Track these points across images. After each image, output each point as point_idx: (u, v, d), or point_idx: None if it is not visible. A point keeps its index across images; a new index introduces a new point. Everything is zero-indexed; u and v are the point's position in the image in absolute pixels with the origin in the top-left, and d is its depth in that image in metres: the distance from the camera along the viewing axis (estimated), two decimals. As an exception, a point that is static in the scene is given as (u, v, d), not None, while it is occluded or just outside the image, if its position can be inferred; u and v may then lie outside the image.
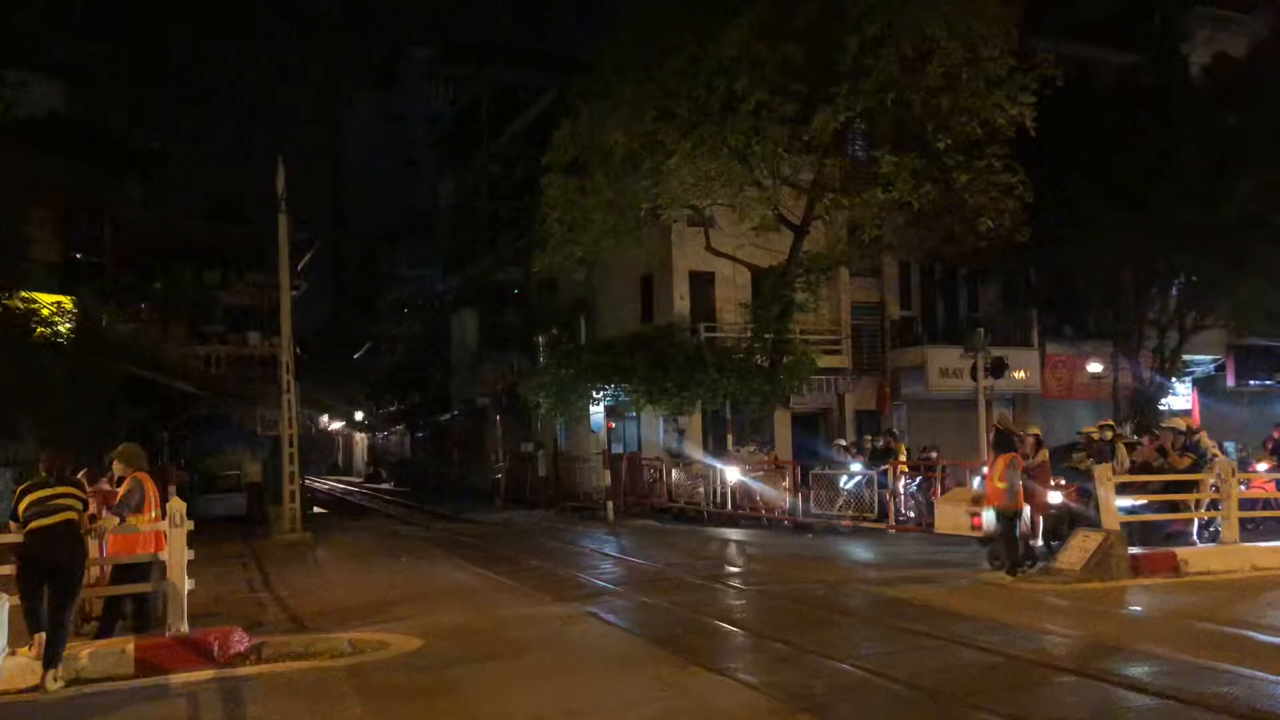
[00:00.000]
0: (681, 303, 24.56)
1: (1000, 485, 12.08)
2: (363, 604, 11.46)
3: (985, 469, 14.76)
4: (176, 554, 8.50)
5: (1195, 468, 13.58)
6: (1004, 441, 12.43)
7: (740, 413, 22.80)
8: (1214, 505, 13.10)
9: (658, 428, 24.94)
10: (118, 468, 9.13)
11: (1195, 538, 13.46)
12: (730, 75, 19.17)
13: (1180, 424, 14.98)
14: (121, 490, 8.94)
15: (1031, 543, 12.63)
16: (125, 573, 8.92)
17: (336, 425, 63.67)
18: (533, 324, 31.40)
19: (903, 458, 18.74)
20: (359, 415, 58.47)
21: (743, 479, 20.25)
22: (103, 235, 22.44)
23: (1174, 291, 24.98)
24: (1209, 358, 28.41)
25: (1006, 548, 12.04)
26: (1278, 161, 21.16)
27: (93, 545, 8.42)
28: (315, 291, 32.78)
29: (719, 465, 20.91)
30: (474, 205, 40.04)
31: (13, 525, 7.73)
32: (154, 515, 8.94)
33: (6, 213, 17.25)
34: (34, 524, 7.58)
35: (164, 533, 8.69)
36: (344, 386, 54.29)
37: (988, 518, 14.26)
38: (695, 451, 23.68)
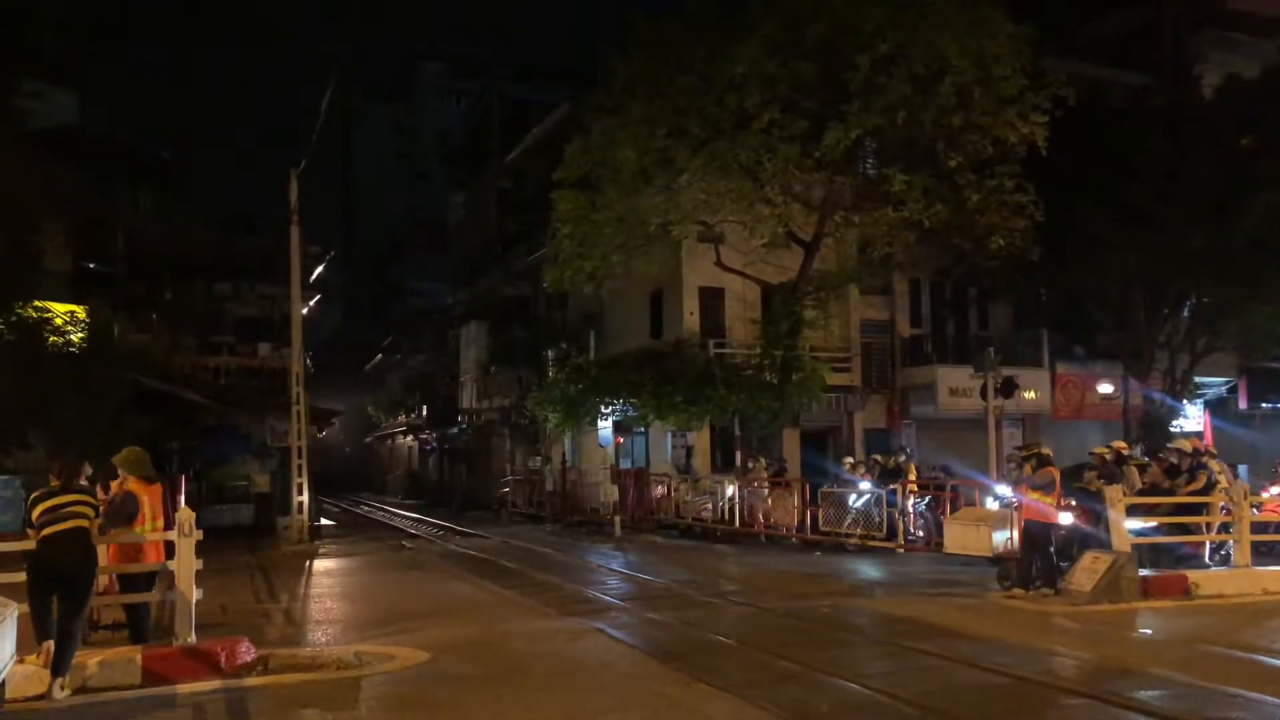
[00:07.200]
0: (691, 318, 24.57)
1: (1046, 500, 12.02)
2: (369, 616, 11.45)
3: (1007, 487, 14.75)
4: (185, 564, 8.50)
5: (1204, 489, 13.51)
6: (1047, 461, 12.40)
7: (749, 429, 22.77)
8: (1225, 528, 13.01)
9: (665, 444, 24.91)
10: (121, 474, 9.11)
11: (1207, 561, 13.37)
12: (741, 92, 19.24)
13: (1186, 445, 14.89)
14: (108, 499, 8.85)
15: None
16: (125, 584, 8.93)
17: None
18: (541, 338, 31.42)
19: (912, 477, 18.69)
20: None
21: (750, 495, 20.21)
22: (115, 246, 22.57)
23: (1185, 313, 24.89)
24: (1220, 380, 28.28)
25: (1044, 563, 11.98)
26: (1290, 184, 21.13)
27: (101, 553, 8.42)
28: (325, 303, 32.90)
29: (726, 481, 20.90)
30: (484, 219, 40.17)
31: (30, 533, 7.76)
32: (151, 526, 8.88)
33: (21, 223, 17.37)
34: (46, 531, 7.60)
35: (168, 543, 8.70)
36: (353, 399, 54.26)
37: (999, 537, 14.26)
38: (703, 468, 23.66)
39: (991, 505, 16.13)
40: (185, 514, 8.69)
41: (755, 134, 19.31)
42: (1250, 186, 21.51)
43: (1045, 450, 12.85)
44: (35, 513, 7.71)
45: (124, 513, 8.72)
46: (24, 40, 16.55)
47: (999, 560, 13.73)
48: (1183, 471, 13.94)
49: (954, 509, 16.17)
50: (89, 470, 8.49)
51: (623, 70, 21.12)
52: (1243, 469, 21.76)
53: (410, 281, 59.25)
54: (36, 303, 17.49)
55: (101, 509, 8.27)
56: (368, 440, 59.43)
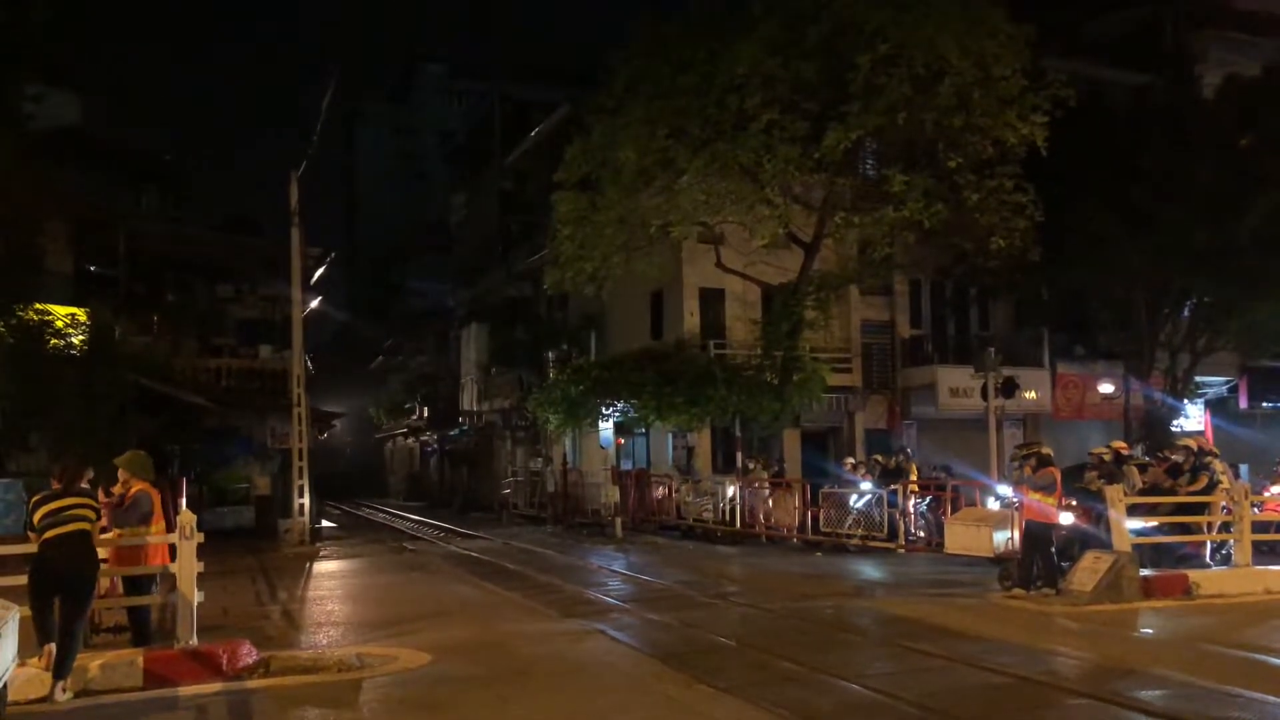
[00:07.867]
0: (691, 319, 24.59)
1: (1048, 501, 12.02)
2: (371, 618, 11.47)
3: (1008, 487, 14.75)
4: (186, 566, 8.51)
5: (1205, 489, 13.50)
6: (1048, 461, 12.39)
7: (749, 430, 22.77)
8: (1226, 528, 13.01)
9: (666, 445, 24.92)
10: (122, 475, 9.12)
11: (1208, 560, 13.37)
12: (742, 93, 19.26)
13: (1192, 444, 14.87)
14: (114, 500, 8.86)
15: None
16: (130, 586, 8.94)
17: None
18: (542, 339, 31.44)
19: (913, 477, 18.67)
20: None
21: (750, 496, 20.21)
22: (117, 248, 22.58)
23: (1186, 312, 24.88)
24: (1221, 379, 28.27)
25: (1045, 563, 11.98)
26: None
27: (103, 556, 8.43)
28: (326, 304, 32.90)
29: (727, 482, 20.89)
30: (485, 220, 40.19)
31: (32, 536, 7.77)
32: (160, 528, 8.92)
33: (23, 225, 17.38)
34: (48, 534, 7.61)
35: (172, 545, 8.71)
36: (355, 400, 54.21)
37: (1000, 537, 14.27)
38: (704, 469, 23.66)
39: (992, 505, 16.14)
40: (186, 517, 8.70)
41: (755, 135, 19.34)
42: (1251, 185, 21.49)
43: (1046, 450, 12.85)
44: (37, 516, 7.72)
45: (138, 511, 8.75)
46: (25, 42, 16.54)
47: (1000, 560, 13.74)
48: (1185, 471, 13.94)
49: (955, 509, 16.18)
50: (91, 473, 8.51)
51: (623, 71, 21.14)
52: (1244, 468, 21.75)
53: (411, 282, 59.23)
54: (38, 305, 17.49)
55: (103, 511, 8.28)
56: (373, 440, 59.31)
